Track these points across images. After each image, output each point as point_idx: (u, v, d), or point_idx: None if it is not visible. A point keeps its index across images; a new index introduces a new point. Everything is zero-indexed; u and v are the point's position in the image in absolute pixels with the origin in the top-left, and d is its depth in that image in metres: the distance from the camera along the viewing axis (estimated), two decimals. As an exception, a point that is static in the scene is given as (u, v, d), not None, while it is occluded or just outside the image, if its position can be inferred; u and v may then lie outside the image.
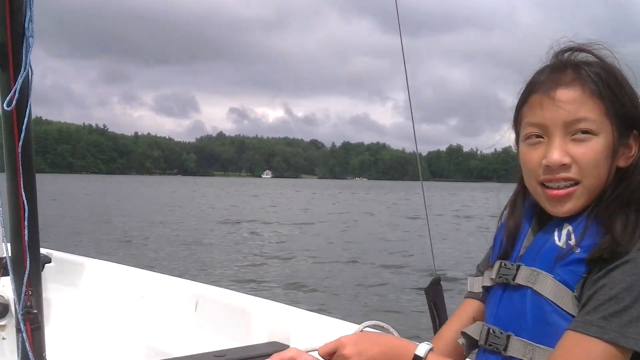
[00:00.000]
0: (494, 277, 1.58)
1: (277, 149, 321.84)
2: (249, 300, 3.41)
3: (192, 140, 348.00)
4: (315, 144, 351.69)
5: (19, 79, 2.26)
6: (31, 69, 2.33)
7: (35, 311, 2.44)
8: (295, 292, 12.08)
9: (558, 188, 1.45)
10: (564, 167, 1.43)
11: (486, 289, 1.64)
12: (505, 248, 1.61)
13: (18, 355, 2.46)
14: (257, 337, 3.09)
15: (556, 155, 1.43)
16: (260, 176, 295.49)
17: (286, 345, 2.90)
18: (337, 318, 3.01)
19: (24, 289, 2.40)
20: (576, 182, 1.44)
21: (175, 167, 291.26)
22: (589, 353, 1.29)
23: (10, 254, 2.45)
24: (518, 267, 1.51)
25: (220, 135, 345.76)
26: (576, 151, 1.42)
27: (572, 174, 1.43)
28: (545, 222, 1.55)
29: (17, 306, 2.39)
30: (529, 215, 1.62)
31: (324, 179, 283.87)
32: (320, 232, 24.34)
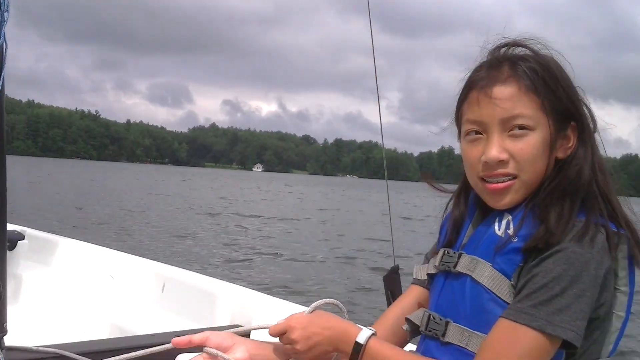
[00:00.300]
0: (437, 264, 1.62)
1: (270, 143, 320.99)
2: (215, 283, 3.47)
3: (185, 130, 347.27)
4: (307, 139, 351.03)
5: (-8, 51, 2.31)
6: (6, 43, 2.37)
7: (-3, 280, 2.48)
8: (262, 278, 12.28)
9: (497, 182, 1.49)
10: (502, 163, 1.46)
11: (431, 276, 1.68)
12: (449, 237, 1.65)
13: (-23, 321, 2.52)
14: (220, 319, 3.15)
15: (494, 152, 1.46)
16: (251, 169, 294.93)
17: (247, 329, 2.96)
18: (299, 303, 3.06)
19: (-14, 257, 2.44)
20: (514, 177, 1.47)
21: (166, 156, 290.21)
22: (518, 340, 1.31)
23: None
24: (460, 256, 1.55)
25: (213, 126, 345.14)
26: (513, 147, 1.45)
27: (510, 169, 1.46)
28: (488, 213, 1.58)
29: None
30: (472, 206, 1.65)
31: (315, 175, 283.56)
32: (302, 227, 24.37)
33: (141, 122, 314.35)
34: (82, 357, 2.59)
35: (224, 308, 3.17)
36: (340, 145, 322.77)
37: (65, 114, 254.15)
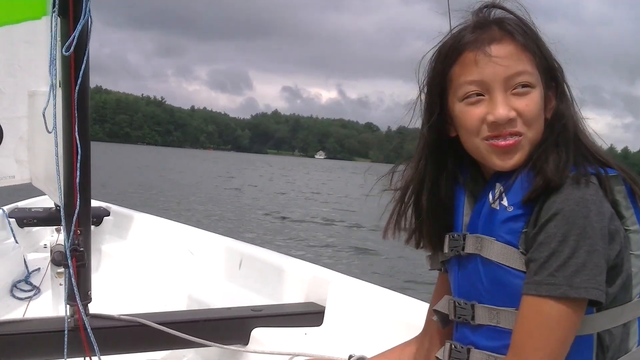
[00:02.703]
0: (446, 250, 1.61)
1: (332, 130, 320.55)
2: (291, 261, 3.52)
3: (247, 117, 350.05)
4: (370, 127, 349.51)
5: (78, 26, 2.38)
6: (91, 18, 2.45)
7: (82, 249, 2.57)
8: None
9: (506, 140, 1.45)
10: (511, 121, 1.43)
11: (444, 263, 1.68)
12: (440, 220, 1.63)
13: (65, 290, 2.62)
14: (295, 296, 3.21)
15: (502, 110, 1.43)
16: (313, 156, 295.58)
17: (322, 306, 2.99)
18: (373, 283, 3.08)
19: (72, 227, 2.53)
20: (520, 134, 1.45)
21: (229, 142, 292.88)
22: (545, 313, 1.31)
23: (63, 197, 2.58)
24: (464, 237, 1.54)
25: (275, 113, 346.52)
26: (519, 104, 1.43)
27: (518, 127, 1.44)
28: (478, 189, 1.57)
29: (65, 243, 2.52)
30: (459, 184, 1.62)
31: (377, 162, 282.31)
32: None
33: (204, 108, 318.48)
34: (161, 326, 2.67)
35: (299, 286, 3.21)
36: (403, 133, 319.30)
37: (131, 99, 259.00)
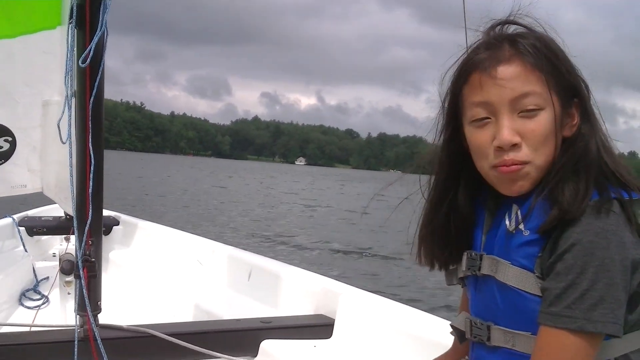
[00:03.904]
0: (464, 269, 1.58)
1: (312, 137, 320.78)
2: (300, 273, 3.52)
3: (227, 122, 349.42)
4: (350, 133, 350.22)
5: (94, 37, 2.38)
6: (106, 30, 2.45)
7: (93, 259, 2.56)
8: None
9: (510, 165, 1.41)
10: (515, 147, 1.40)
11: (462, 279, 1.65)
12: (459, 238, 1.61)
13: (75, 300, 2.61)
14: (304, 308, 3.21)
15: (506, 135, 1.39)
16: (294, 163, 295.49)
17: (331, 319, 3.00)
18: (383, 295, 3.09)
19: (84, 237, 2.53)
20: (525, 163, 1.41)
21: (209, 148, 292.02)
22: (563, 345, 1.29)
23: (76, 207, 2.58)
24: (481, 257, 1.52)
25: (256, 119, 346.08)
26: (525, 128, 1.39)
27: (522, 155, 1.40)
28: (498, 207, 1.54)
29: (77, 253, 2.52)
30: (480, 203, 1.60)
31: (358, 169, 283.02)
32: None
33: (184, 114, 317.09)
34: (170, 337, 2.66)
35: (309, 297, 3.21)
36: (383, 139, 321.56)
37: (110, 105, 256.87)
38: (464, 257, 1.59)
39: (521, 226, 1.41)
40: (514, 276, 1.41)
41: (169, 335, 2.68)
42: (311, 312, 3.15)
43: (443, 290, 10.25)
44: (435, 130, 1.62)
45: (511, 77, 1.40)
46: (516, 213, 1.44)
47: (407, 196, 1.71)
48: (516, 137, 1.39)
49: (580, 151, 1.41)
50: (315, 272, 3.52)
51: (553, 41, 1.45)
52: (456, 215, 1.60)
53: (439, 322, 2.59)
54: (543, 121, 1.39)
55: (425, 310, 2.77)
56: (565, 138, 1.45)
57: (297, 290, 3.32)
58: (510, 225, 1.44)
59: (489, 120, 1.44)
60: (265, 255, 4.08)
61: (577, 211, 1.32)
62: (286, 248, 15.10)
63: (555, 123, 1.40)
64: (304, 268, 3.67)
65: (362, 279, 11.04)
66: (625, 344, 1.35)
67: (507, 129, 1.39)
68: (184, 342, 2.66)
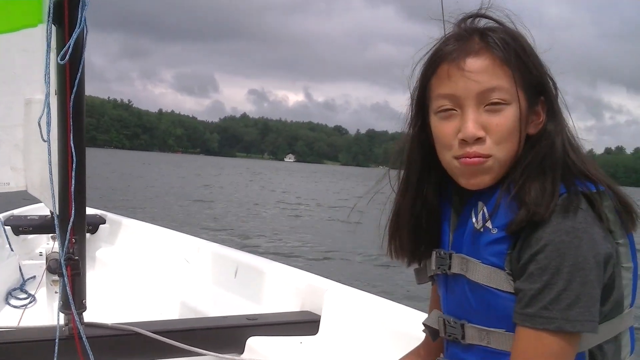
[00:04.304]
0: (433, 268, 1.56)
1: (301, 133, 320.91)
2: (286, 270, 3.52)
3: (215, 120, 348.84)
4: (339, 130, 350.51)
5: (73, 34, 2.37)
6: (86, 27, 2.43)
7: (76, 257, 2.55)
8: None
9: (471, 158, 1.41)
10: (479, 140, 1.39)
11: (432, 277, 1.62)
12: (426, 235, 1.60)
13: (59, 299, 2.59)
14: (291, 305, 3.21)
15: (471, 128, 1.38)
16: (282, 160, 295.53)
17: (317, 315, 3.00)
18: (369, 292, 3.08)
19: (67, 236, 2.51)
20: (488, 156, 1.40)
21: (197, 146, 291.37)
22: (542, 346, 1.29)
23: (58, 205, 2.56)
24: (450, 256, 1.50)
25: (244, 116, 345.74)
26: (490, 122, 1.39)
27: (486, 148, 1.39)
28: (465, 201, 1.52)
29: (60, 251, 2.50)
30: (446, 199, 1.58)
31: (347, 165, 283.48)
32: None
33: (172, 111, 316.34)
34: (156, 335, 2.65)
35: (295, 294, 3.21)
36: (372, 135, 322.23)
37: (97, 103, 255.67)
38: (433, 256, 1.56)
39: (489, 224, 1.40)
40: (485, 275, 1.40)
41: (154, 333, 2.67)
42: (297, 309, 3.15)
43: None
44: (405, 121, 1.60)
45: (479, 70, 1.39)
46: (482, 210, 1.43)
47: (374, 193, 1.69)
48: (480, 131, 1.39)
49: (545, 149, 1.40)
50: (301, 269, 3.52)
51: (522, 37, 1.44)
52: (425, 210, 1.58)
53: (424, 318, 2.59)
54: (508, 116, 1.38)
55: (411, 307, 2.77)
56: (530, 136, 1.43)
57: (283, 287, 3.32)
58: (477, 223, 1.43)
59: (454, 112, 1.43)
60: (251, 253, 4.09)
61: (544, 212, 1.31)
62: (272, 245, 15.06)
63: (520, 119, 1.39)
64: (290, 265, 3.67)
65: (349, 276, 11.04)
66: (598, 336, 1.35)
67: (472, 122, 1.39)
68: (170, 340, 2.65)
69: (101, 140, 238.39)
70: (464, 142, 1.40)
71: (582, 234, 1.28)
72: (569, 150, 1.41)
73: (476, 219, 1.43)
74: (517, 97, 1.38)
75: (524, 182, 1.37)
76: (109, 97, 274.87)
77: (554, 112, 1.44)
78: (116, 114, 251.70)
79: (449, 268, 1.51)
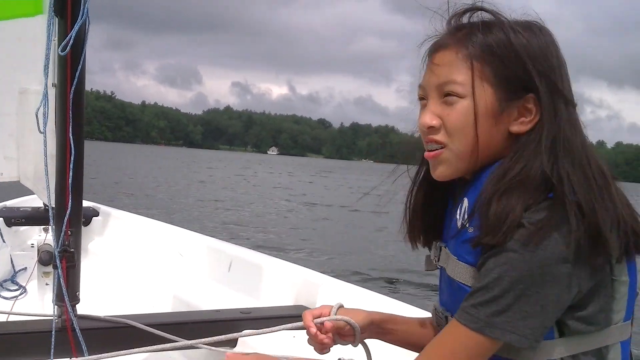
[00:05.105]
0: (432, 257, 1.61)
1: (284, 126, 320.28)
2: (281, 264, 3.53)
3: (198, 112, 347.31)
4: (323, 123, 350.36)
5: (75, 26, 2.36)
6: (88, 19, 2.42)
7: (72, 250, 2.55)
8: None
9: (429, 150, 1.47)
10: (432, 129, 1.43)
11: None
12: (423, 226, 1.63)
13: (53, 291, 2.59)
14: (285, 299, 3.22)
15: (425, 118, 1.44)
16: (266, 152, 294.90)
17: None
18: (363, 287, 3.11)
19: (64, 227, 2.51)
20: (443, 146, 1.43)
21: (181, 138, 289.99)
22: (459, 340, 1.32)
23: (54, 197, 2.56)
24: (441, 249, 1.54)
25: (228, 109, 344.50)
26: (443, 113, 1.42)
27: (439, 137, 1.43)
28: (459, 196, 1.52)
29: (54, 243, 2.50)
30: (452, 189, 1.58)
31: (330, 158, 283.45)
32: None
33: (155, 103, 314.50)
34: (148, 328, 2.65)
35: (289, 289, 3.23)
36: (355, 129, 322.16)
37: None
38: (432, 247, 1.61)
39: (466, 222, 1.40)
40: (460, 272, 1.42)
41: (147, 325, 2.67)
42: (291, 303, 3.17)
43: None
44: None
45: (441, 63, 1.43)
46: (465, 206, 1.43)
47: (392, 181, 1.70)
48: (434, 120, 1.43)
49: (528, 152, 1.36)
50: (294, 263, 3.54)
51: (518, 32, 1.39)
52: (433, 201, 1.61)
53: (418, 314, 2.61)
54: (460, 109, 1.40)
55: (406, 302, 2.79)
56: (515, 134, 1.40)
57: (278, 281, 3.33)
58: (459, 219, 1.44)
59: (425, 102, 1.48)
60: (245, 247, 4.10)
61: (499, 238, 1.28)
62: (267, 239, 15.05)
63: (476, 114, 1.39)
64: (284, 259, 3.68)
65: (344, 270, 11.08)
66: (571, 345, 1.35)
67: (429, 112, 1.44)
68: (163, 333, 2.65)
69: (84, 132, 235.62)
70: (422, 131, 1.47)
71: (539, 250, 1.25)
72: (560, 158, 1.33)
73: (459, 215, 1.44)
74: (478, 92, 1.38)
75: (491, 196, 1.33)
76: (91, 89, 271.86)
77: (544, 112, 1.37)
78: (99, 106, 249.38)
79: (438, 260, 1.55)
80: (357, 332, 1.73)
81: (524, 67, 1.37)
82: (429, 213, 1.62)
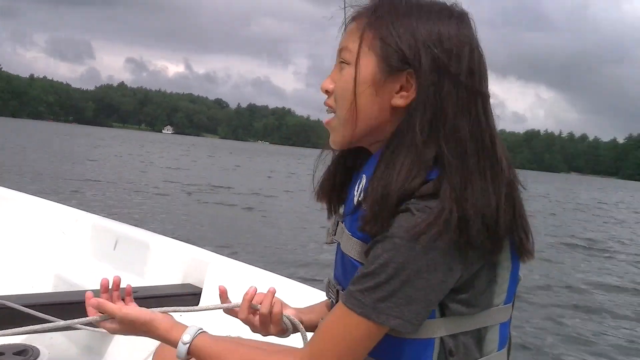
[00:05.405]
0: (330, 230, 1.59)
1: (180, 105, 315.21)
2: (168, 242, 3.46)
3: (91, 87, 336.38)
4: (219, 103, 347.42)
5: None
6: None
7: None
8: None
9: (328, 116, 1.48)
10: (328, 93, 1.46)
11: None
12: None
13: None
14: (172, 278, 3.16)
15: (323, 82, 1.47)
16: (160, 131, 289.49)
17: (199, 288, 2.96)
18: (250, 264, 3.08)
19: None
20: (332, 109, 1.46)
21: (71, 114, 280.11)
22: (347, 325, 1.31)
23: None
24: (338, 223, 1.53)
25: (122, 85, 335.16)
26: (337, 79, 1.44)
27: (330, 101, 1.46)
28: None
29: None
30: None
31: (226, 139, 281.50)
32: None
33: (45, 77, 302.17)
34: (27, 309, 2.53)
35: (177, 267, 3.17)
36: (252, 110, 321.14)
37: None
38: (332, 219, 1.59)
39: (361, 198, 1.38)
40: (352, 247, 1.40)
41: (24, 306, 2.55)
42: (179, 282, 3.11)
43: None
44: None
45: (348, 31, 1.44)
46: (362, 182, 1.41)
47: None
48: (329, 85, 1.46)
49: (403, 128, 1.35)
50: (182, 241, 3.47)
51: (417, 8, 1.38)
52: (342, 171, 1.59)
53: (307, 290, 2.62)
54: (346, 76, 1.40)
55: (295, 279, 2.79)
56: (399, 107, 1.38)
57: (165, 259, 3.26)
58: (356, 196, 1.41)
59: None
60: (132, 225, 3.98)
61: (376, 227, 1.30)
62: (156, 218, 14.73)
63: (355, 82, 1.38)
64: (172, 237, 3.60)
65: (235, 248, 11.02)
66: (451, 325, 1.36)
67: (329, 77, 1.47)
68: (40, 313, 2.54)
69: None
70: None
71: (422, 235, 1.24)
72: (442, 138, 1.31)
73: (357, 192, 1.41)
74: (363, 62, 1.38)
75: (377, 167, 1.34)
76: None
77: (421, 89, 1.33)
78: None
79: (335, 234, 1.53)
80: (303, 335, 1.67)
81: (409, 42, 1.35)
82: (335, 185, 1.59)
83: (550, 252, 14.88)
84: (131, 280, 3.20)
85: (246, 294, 1.69)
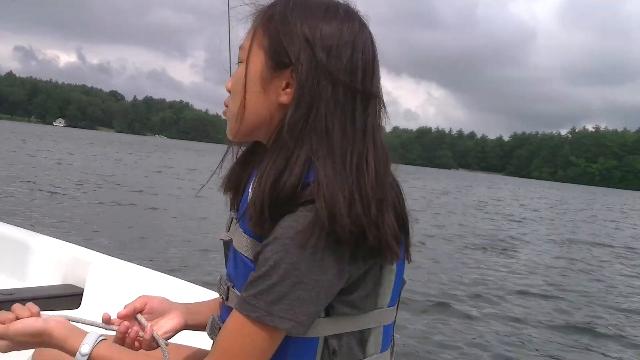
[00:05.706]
0: (225, 227, 1.58)
1: (73, 97, 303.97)
2: (48, 242, 3.33)
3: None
4: (115, 95, 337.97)
5: None
6: None
7: None
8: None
9: None
10: (229, 92, 1.49)
11: None
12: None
13: None
14: (51, 278, 3.05)
15: (227, 82, 1.51)
16: (52, 124, 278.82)
17: (80, 288, 2.89)
18: (135, 263, 3.03)
19: None
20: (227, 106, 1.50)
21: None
22: (240, 330, 1.31)
23: None
24: (232, 219, 1.54)
25: (10, 75, 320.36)
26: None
27: (227, 99, 1.50)
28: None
29: None
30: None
31: (122, 133, 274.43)
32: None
33: None
34: None
35: (57, 267, 3.07)
36: (149, 103, 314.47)
37: None
38: (229, 215, 1.58)
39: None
40: (244, 245, 1.41)
41: None
42: (59, 282, 3.01)
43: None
44: None
45: (247, 32, 1.47)
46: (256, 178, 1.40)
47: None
48: (229, 84, 1.49)
49: (280, 126, 1.38)
50: (61, 240, 3.36)
51: (301, 7, 1.39)
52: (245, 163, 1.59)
53: (195, 290, 2.60)
54: (239, 73, 1.45)
55: (181, 279, 2.77)
56: (286, 105, 1.38)
57: (44, 259, 3.15)
58: (250, 192, 1.41)
59: None
60: (8, 223, 3.80)
61: (264, 230, 1.32)
62: (36, 216, 14.08)
63: (245, 78, 1.42)
64: (53, 236, 3.48)
65: (118, 247, 10.72)
66: (334, 326, 1.37)
67: (231, 77, 1.50)
68: None
69: None
70: None
71: (311, 236, 1.26)
72: (315, 140, 1.32)
73: (251, 188, 1.42)
74: (252, 60, 1.41)
75: (263, 170, 1.34)
76: None
77: (298, 88, 1.35)
78: None
79: (228, 230, 1.53)
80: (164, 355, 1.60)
81: (292, 40, 1.36)
82: (240, 179, 1.58)
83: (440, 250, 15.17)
84: (7, 282, 3.11)
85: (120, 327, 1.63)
